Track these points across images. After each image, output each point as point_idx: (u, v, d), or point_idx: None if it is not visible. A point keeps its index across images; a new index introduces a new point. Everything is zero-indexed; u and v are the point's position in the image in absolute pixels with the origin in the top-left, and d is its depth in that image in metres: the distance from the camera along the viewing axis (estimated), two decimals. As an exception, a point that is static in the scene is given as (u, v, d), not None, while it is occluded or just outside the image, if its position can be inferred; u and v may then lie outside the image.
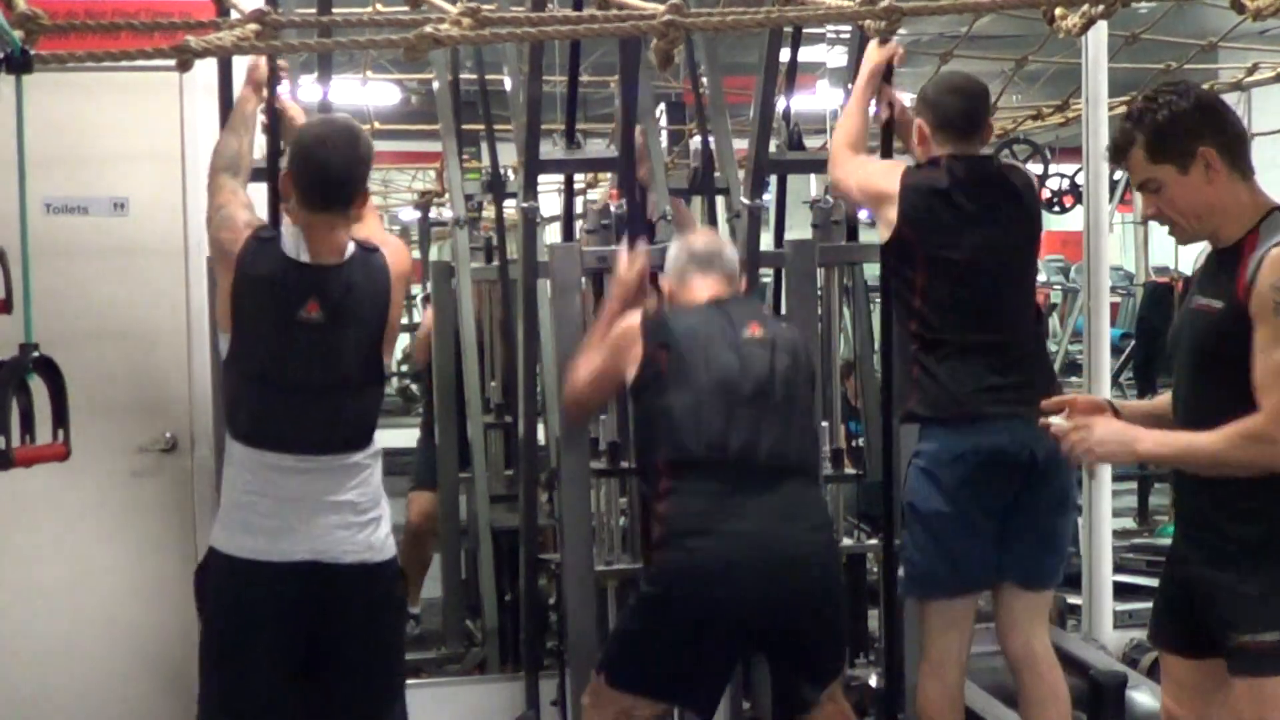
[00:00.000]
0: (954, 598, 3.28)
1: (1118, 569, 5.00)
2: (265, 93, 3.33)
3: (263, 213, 3.81)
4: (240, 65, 3.63)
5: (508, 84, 4.60)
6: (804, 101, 5.78)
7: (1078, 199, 8.70)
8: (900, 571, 3.43)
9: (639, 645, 3.18)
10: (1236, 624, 2.51)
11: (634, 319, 3.29)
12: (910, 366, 3.35)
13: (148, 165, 3.99)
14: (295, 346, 3.00)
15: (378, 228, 3.35)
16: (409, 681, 4.71)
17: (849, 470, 3.92)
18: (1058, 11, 2.70)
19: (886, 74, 3.56)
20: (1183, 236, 2.64)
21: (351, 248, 3.07)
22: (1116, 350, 7.75)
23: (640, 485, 3.33)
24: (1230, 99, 7.79)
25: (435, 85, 5.42)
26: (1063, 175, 9.78)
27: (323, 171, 2.99)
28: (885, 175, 3.37)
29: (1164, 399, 2.80)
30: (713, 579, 3.02)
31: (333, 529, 3.00)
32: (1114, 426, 2.64)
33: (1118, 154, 2.64)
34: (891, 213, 3.29)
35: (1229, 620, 2.53)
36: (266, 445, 3.01)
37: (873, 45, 3.52)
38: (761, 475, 3.10)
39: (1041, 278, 14.41)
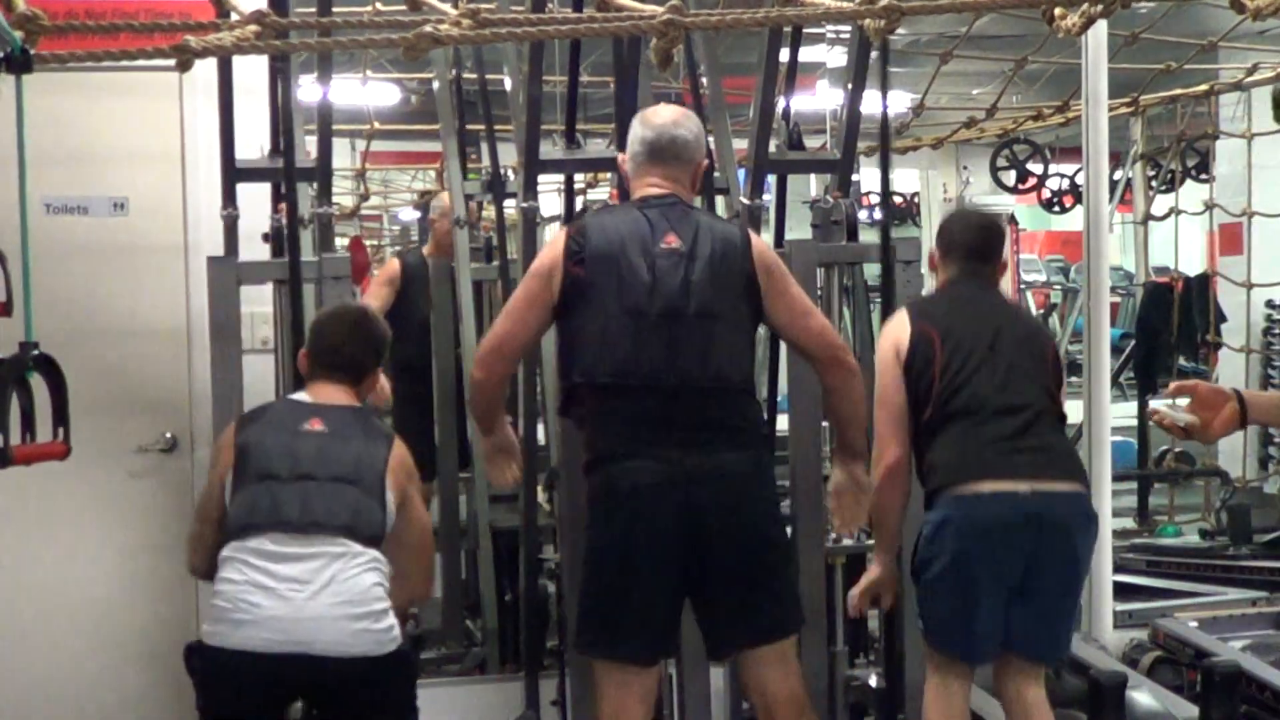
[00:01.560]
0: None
1: (1118, 569, 5.00)
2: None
3: (264, 210, 3.84)
4: (241, 65, 3.64)
5: (508, 84, 4.60)
6: (804, 101, 5.78)
7: (1078, 199, 8.72)
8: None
9: (592, 590, 3.21)
10: None
11: (559, 242, 3.26)
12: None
13: (148, 165, 3.99)
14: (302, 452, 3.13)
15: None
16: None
17: (849, 470, 3.91)
18: (1057, 11, 2.70)
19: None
20: None
21: (352, 405, 3.29)
22: (1116, 350, 7.75)
23: (567, 405, 3.34)
24: (1230, 99, 7.83)
25: (435, 85, 5.42)
26: (1063, 175, 9.80)
27: (331, 351, 3.29)
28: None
29: None
30: (631, 499, 3.11)
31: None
32: None
33: None
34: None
35: None
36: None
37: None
38: (673, 398, 3.13)
39: (1041, 277, 14.49)
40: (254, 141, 3.85)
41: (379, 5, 5.10)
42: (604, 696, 3.21)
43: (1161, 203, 8.26)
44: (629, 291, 3.15)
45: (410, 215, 11.14)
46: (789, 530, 3.78)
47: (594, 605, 3.21)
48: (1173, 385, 2.84)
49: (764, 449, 3.35)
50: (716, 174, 4.22)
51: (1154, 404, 2.72)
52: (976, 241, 3.55)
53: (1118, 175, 8.07)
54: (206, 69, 3.57)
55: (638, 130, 3.33)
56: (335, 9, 3.40)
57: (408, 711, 3.14)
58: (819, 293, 3.96)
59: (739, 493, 3.18)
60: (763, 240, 3.54)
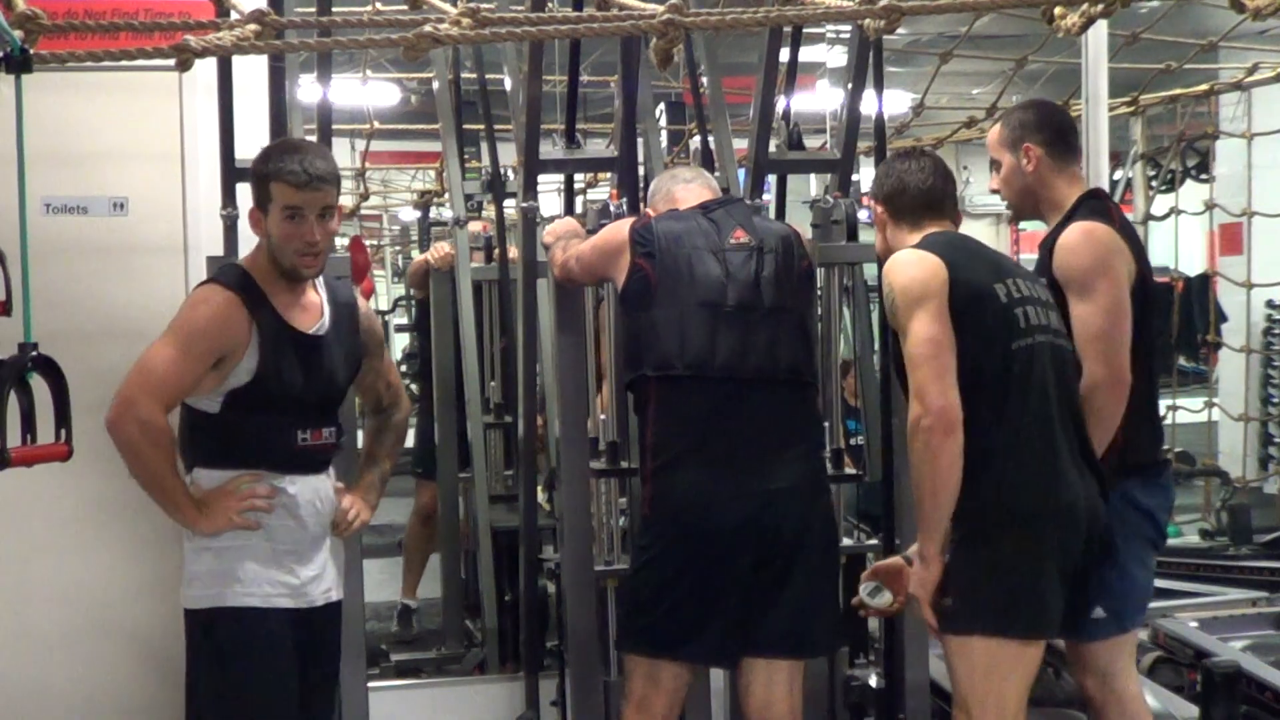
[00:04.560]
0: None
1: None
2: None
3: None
4: (241, 65, 3.64)
5: (508, 84, 4.60)
6: (804, 101, 5.77)
7: (1078, 199, 8.72)
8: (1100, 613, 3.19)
9: (645, 588, 3.22)
10: None
11: (624, 226, 3.31)
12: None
13: (148, 165, 3.98)
14: None
15: None
16: (409, 682, 4.76)
17: (849, 470, 3.92)
18: (1057, 11, 2.70)
19: None
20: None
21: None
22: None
23: (632, 399, 3.37)
24: (1230, 99, 7.83)
25: (435, 85, 5.42)
26: (1063, 175, 9.79)
27: None
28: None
29: None
30: (695, 507, 3.11)
31: None
32: (914, 580, 2.98)
33: None
34: None
35: None
36: None
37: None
38: (747, 391, 3.15)
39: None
40: (254, 141, 3.85)
41: (379, 5, 5.11)
42: (632, 689, 3.24)
43: (1162, 203, 8.27)
44: (703, 285, 3.19)
45: (410, 215, 11.14)
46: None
47: (649, 608, 3.21)
48: (864, 576, 3.25)
49: (821, 452, 3.38)
50: (717, 174, 4.22)
51: (858, 598, 3.22)
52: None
53: (1118, 175, 8.07)
54: (206, 68, 3.56)
55: (663, 177, 3.54)
56: (335, 9, 3.40)
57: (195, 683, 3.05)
58: (819, 293, 3.96)
59: (805, 511, 3.19)
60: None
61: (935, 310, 2.89)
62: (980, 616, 2.93)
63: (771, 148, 3.98)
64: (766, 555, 3.13)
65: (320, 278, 3.13)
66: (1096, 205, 3.27)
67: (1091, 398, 3.05)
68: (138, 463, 2.91)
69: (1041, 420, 2.94)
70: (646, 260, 3.21)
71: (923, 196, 3.15)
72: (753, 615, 3.18)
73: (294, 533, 3.02)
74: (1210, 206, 8.13)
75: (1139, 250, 3.22)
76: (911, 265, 2.97)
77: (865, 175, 5.28)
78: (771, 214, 4.27)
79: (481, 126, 5.36)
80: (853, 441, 4.38)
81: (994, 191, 3.43)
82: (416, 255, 6.05)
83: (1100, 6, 2.52)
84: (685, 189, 3.44)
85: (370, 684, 3.77)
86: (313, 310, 3.07)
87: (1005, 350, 2.93)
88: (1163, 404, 3.45)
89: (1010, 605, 2.92)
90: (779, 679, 3.23)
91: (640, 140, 4.10)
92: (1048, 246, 3.24)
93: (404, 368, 8.79)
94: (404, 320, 8.93)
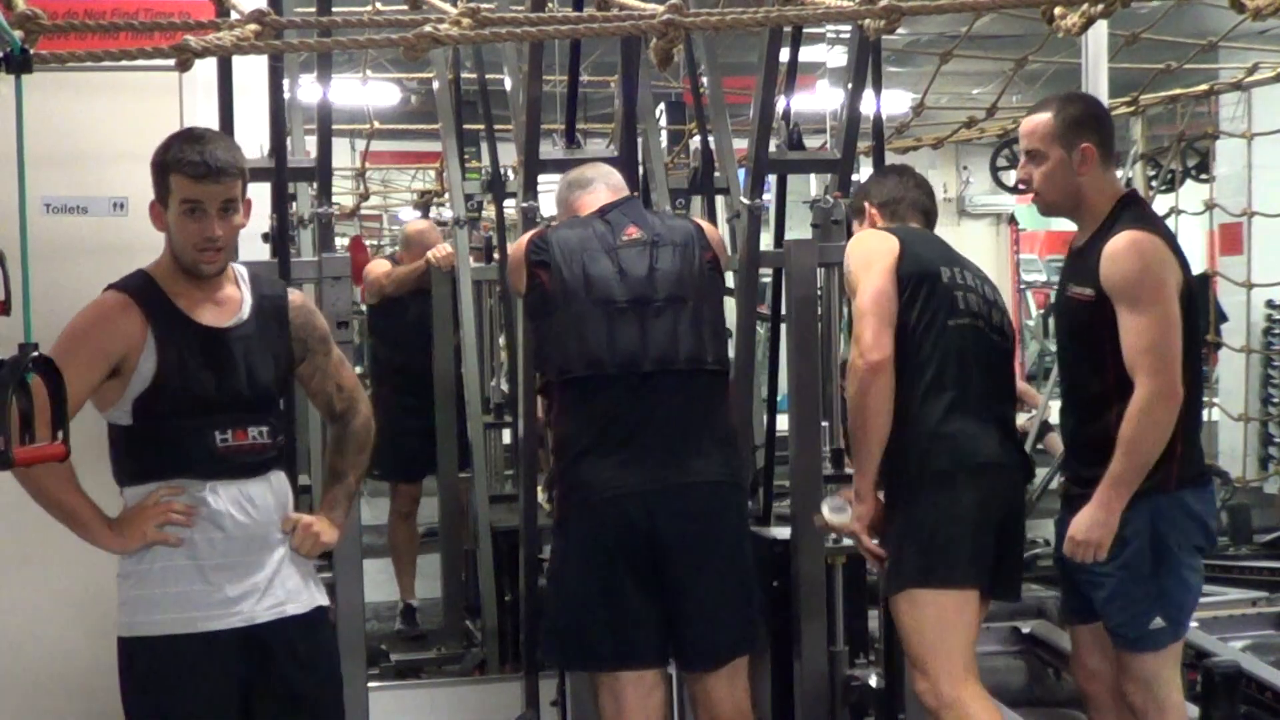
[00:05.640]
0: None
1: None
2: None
3: (264, 209, 3.84)
4: (241, 65, 3.64)
5: (508, 84, 4.61)
6: (804, 101, 5.78)
7: (1078, 199, 8.71)
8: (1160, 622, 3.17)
9: (558, 594, 3.24)
10: None
11: (524, 240, 3.33)
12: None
13: (147, 165, 3.98)
14: None
15: None
16: (409, 682, 4.76)
17: (849, 470, 3.91)
18: (1057, 11, 2.70)
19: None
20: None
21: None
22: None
23: (543, 409, 3.38)
24: (1230, 99, 7.83)
25: (435, 85, 5.43)
26: (1063, 175, 9.78)
27: None
28: None
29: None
30: (595, 511, 3.11)
31: None
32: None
33: None
34: None
35: None
36: None
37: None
38: (648, 383, 3.13)
39: (1041, 277, 14.48)
40: (254, 141, 3.85)
41: (379, 5, 5.11)
42: (601, 709, 3.22)
43: (1161, 203, 8.27)
44: (597, 285, 3.17)
45: (410, 215, 11.15)
46: (788, 530, 3.79)
47: (560, 617, 3.22)
48: (838, 493, 3.49)
49: (732, 446, 3.34)
50: (717, 174, 4.23)
51: (819, 514, 3.47)
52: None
53: (1118, 175, 8.08)
54: (206, 69, 3.56)
55: (562, 185, 3.49)
56: (335, 9, 3.40)
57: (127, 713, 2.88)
58: (819, 293, 3.97)
59: (706, 513, 3.16)
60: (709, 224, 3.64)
61: (883, 270, 3.22)
62: (905, 570, 3.21)
63: (771, 148, 3.99)
64: (670, 549, 3.10)
65: (245, 271, 2.96)
66: (1139, 212, 3.19)
67: (1143, 412, 2.99)
68: (30, 485, 2.79)
69: (964, 389, 3.21)
70: (542, 269, 3.22)
71: (904, 202, 3.53)
72: (668, 620, 3.15)
73: (220, 545, 2.81)
74: (1210, 206, 8.14)
75: (1183, 259, 3.14)
76: (867, 238, 3.38)
77: (865, 175, 5.29)
78: (772, 214, 4.28)
79: (481, 126, 5.37)
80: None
81: (1023, 182, 3.30)
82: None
83: (1100, 6, 2.52)
84: (585, 196, 3.41)
85: (370, 684, 3.77)
86: (230, 306, 2.89)
87: (942, 326, 3.22)
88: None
89: (928, 555, 3.17)
90: (717, 684, 3.22)
91: (640, 140, 4.10)
92: (1090, 252, 3.12)
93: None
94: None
